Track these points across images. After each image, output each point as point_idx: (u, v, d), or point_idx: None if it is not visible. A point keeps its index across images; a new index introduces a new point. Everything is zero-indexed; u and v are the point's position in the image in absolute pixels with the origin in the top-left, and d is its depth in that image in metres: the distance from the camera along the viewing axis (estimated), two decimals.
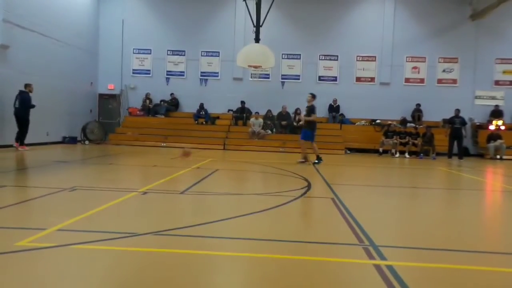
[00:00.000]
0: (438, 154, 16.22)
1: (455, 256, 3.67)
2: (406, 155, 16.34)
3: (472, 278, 3.11)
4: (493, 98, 18.96)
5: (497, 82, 18.95)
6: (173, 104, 19.80)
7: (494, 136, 17.01)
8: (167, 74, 20.01)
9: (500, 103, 18.79)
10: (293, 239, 3.96)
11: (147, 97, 19.70)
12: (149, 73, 20.03)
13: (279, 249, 3.66)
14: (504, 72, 18.87)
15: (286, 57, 19.58)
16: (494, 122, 18.20)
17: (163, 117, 19.23)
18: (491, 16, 17.73)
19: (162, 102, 19.75)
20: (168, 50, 19.89)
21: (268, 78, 19.54)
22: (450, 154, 16.07)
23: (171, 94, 19.84)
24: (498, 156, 16.61)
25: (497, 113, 18.51)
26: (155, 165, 10.60)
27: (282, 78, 19.66)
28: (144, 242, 3.68)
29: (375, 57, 19.36)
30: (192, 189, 6.79)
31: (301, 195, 6.41)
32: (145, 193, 6.10)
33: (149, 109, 19.53)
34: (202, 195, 6.39)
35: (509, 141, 17.00)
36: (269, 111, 18.76)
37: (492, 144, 16.81)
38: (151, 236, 3.85)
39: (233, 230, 4.36)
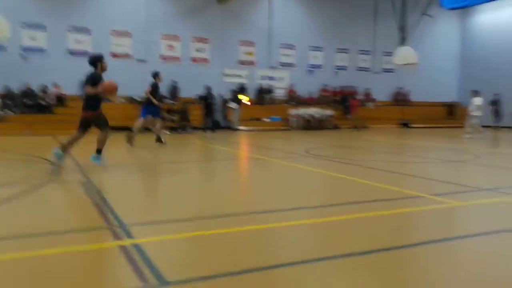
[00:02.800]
0: (194, 128, 17.25)
1: (207, 223, 3.85)
2: (167, 131, 16.74)
3: (222, 240, 3.30)
4: (239, 76, 21.29)
5: (241, 62, 21.30)
6: None
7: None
8: None
9: (244, 80, 21.25)
10: (31, 233, 3.39)
11: None
12: None
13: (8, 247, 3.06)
14: (246, 53, 21.36)
15: (26, 27, 17.03)
16: (240, 97, 20.50)
17: None
18: (234, 1, 19.65)
19: None
20: None
21: (5, 50, 16.63)
22: (204, 128, 17.31)
23: None
24: (242, 127, 18.88)
25: (242, 90, 20.91)
26: None
27: (23, 50, 17.06)
28: None
29: (130, 33, 18.90)
30: None
31: (48, 182, 5.66)
32: None
33: None
34: None
35: (250, 115, 19.56)
36: (6, 87, 16.02)
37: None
38: None
39: None
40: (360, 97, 22.22)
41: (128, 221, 3.74)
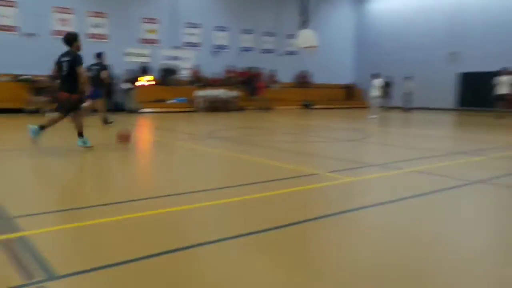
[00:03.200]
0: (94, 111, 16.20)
1: (107, 211, 3.63)
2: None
3: (122, 227, 3.13)
4: (141, 55, 20.35)
5: (144, 40, 20.37)
6: None
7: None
8: None
9: (147, 60, 20.39)
10: None
11: None
12: None
13: None
14: (149, 31, 20.46)
15: None
16: (142, 78, 19.66)
17: None
18: None
19: None
20: None
21: None
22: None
23: None
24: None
25: (145, 70, 20.05)
26: None
27: None
28: None
29: (15, 2, 16.96)
30: None
31: None
32: None
33: None
34: None
35: (154, 96, 18.93)
36: None
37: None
38: None
39: None
40: (265, 78, 22.65)
41: (14, 212, 3.39)
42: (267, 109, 20.46)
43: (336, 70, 26.29)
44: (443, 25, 22.62)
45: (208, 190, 4.44)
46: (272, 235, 3.06)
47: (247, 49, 23.36)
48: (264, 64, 23.32)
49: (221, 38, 22.41)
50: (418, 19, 23.72)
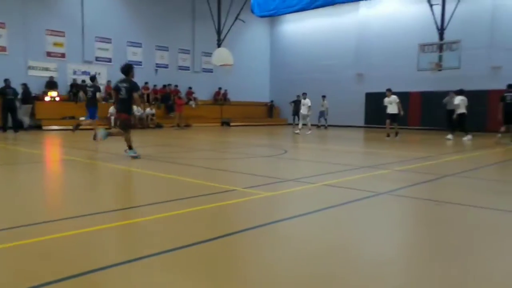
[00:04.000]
0: None
1: (7, 235, 3.23)
2: None
3: (25, 251, 2.79)
4: (47, 69, 19.05)
5: (49, 54, 19.10)
6: None
7: None
8: None
9: (53, 74, 19.11)
10: None
11: None
12: None
13: None
14: (55, 44, 19.24)
15: None
16: (49, 93, 18.37)
17: None
18: None
19: None
20: None
21: None
22: (4, 128, 14.97)
23: None
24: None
25: (51, 84, 18.76)
26: None
27: None
28: None
29: None
30: None
31: None
32: None
33: None
34: None
35: (63, 113, 17.76)
36: None
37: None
38: None
39: None
40: (182, 95, 22.40)
41: None
42: (185, 126, 20.21)
43: (253, 88, 26.89)
44: (350, 48, 24.30)
45: (121, 209, 4.19)
46: (188, 252, 2.95)
47: (162, 66, 22.98)
48: (180, 81, 23.11)
49: (135, 53, 21.78)
50: (328, 41, 25.22)
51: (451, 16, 18.67)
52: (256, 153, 10.26)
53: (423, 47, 19.42)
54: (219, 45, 21.28)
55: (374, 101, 22.35)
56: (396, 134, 14.86)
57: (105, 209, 4.20)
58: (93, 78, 12.43)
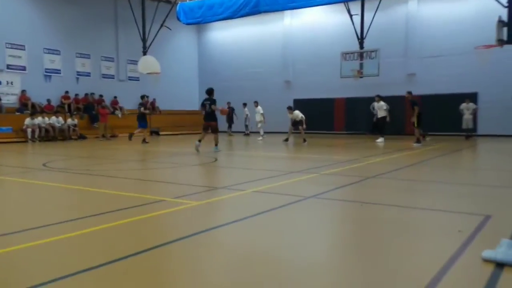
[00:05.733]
0: None
1: None
2: None
3: None
4: None
5: None
6: None
7: None
8: None
9: None
10: None
11: None
12: None
13: None
14: None
15: None
16: None
17: None
18: None
19: None
20: None
21: None
22: None
23: None
24: None
25: None
26: None
27: None
28: None
29: None
30: None
31: None
32: None
33: None
34: None
35: None
36: None
37: None
38: None
39: None
40: (107, 105, 21.42)
41: None
42: (111, 136, 19.34)
43: (182, 97, 26.44)
44: (277, 55, 24.84)
45: (41, 227, 3.87)
46: (116, 267, 2.77)
47: (84, 74, 21.82)
48: (104, 90, 22.12)
49: (53, 61, 20.44)
50: (256, 49, 25.58)
51: (369, 26, 19.79)
52: (186, 162, 10.05)
53: (345, 55, 20.37)
54: (144, 53, 20.67)
55: (301, 108, 23.00)
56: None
57: (26, 227, 3.84)
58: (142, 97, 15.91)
